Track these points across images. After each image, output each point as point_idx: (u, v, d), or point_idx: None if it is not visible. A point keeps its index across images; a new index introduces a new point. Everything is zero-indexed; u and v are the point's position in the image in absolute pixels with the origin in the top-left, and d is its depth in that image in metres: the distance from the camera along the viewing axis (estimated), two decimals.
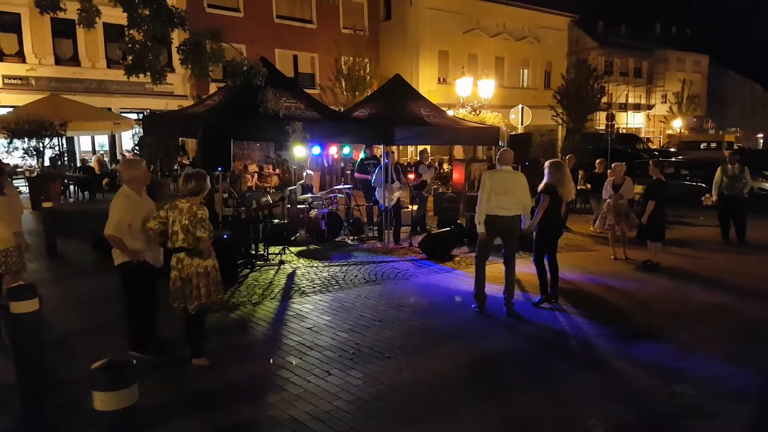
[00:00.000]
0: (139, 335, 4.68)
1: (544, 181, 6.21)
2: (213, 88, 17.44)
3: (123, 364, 2.16)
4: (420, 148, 12.51)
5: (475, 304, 5.99)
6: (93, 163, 17.91)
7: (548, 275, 6.24)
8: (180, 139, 15.96)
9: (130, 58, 5.30)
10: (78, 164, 18.52)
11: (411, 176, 10.71)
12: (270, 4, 23.80)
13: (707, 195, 10.61)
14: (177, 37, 5.66)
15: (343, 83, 22.90)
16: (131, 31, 5.12)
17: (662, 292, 6.85)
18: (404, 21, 26.60)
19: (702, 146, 27.80)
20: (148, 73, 5.37)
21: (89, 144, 21.65)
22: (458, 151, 20.88)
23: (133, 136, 20.00)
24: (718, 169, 9.87)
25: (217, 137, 7.59)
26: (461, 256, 8.71)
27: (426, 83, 25.28)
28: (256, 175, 13.19)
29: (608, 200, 8.61)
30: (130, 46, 5.17)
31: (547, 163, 6.35)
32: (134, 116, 19.73)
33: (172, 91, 20.47)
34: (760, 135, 44.96)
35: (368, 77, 23.05)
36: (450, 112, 13.90)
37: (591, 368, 4.55)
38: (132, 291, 4.62)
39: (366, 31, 26.35)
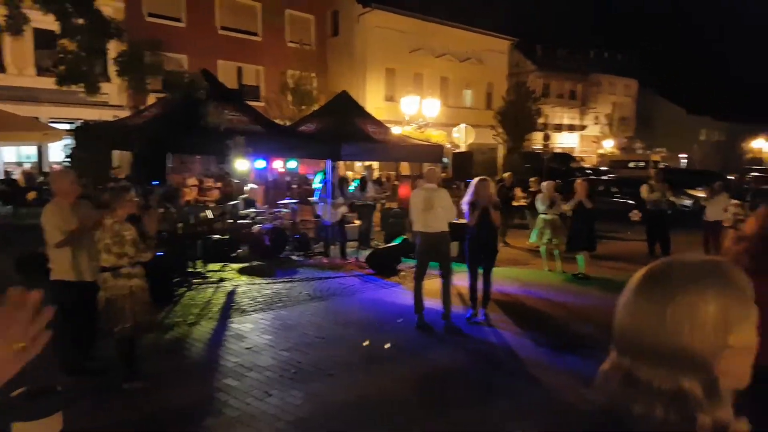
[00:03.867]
0: (71, 357, 4.42)
1: (468, 198, 6.31)
2: (151, 98, 16.89)
3: (45, 391, 2.04)
4: (366, 164, 12.58)
5: (417, 319, 6.05)
6: (18, 176, 16.84)
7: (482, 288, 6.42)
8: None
9: (62, 67, 5.08)
10: (0, 176, 17.37)
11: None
12: (213, 15, 23.41)
13: (635, 211, 11.22)
14: (114, 47, 5.48)
15: (290, 97, 22.77)
16: (64, 41, 4.91)
17: (595, 303, 7.17)
18: (352, 38, 26.84)
19: (630, 165, 29.45)
20: (82, 84, 5.17)
21: (14, 155, 20.36)
22: (405, 167, 21.14)
23: (64, 147, 18.98)
24: (644, 187, 10.45)
25: (154, 150, 7.35)
26: (407, 271, 8.78)
27: (373, 100, 25.52)
28: (195, 189, 12.83)
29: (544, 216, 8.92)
30: (62, 56, 4.96)
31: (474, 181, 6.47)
32: (66, 126, 18.76)
33: (108, 101, 19.58)
34: (683, 155, 48.18)
35: (315, 92, 23.02)
36: (396, 130, 14.08)
37: (529, 382, 4.68)
38: (66, 309, 4.38)
39: (313, 45, 26.37)
